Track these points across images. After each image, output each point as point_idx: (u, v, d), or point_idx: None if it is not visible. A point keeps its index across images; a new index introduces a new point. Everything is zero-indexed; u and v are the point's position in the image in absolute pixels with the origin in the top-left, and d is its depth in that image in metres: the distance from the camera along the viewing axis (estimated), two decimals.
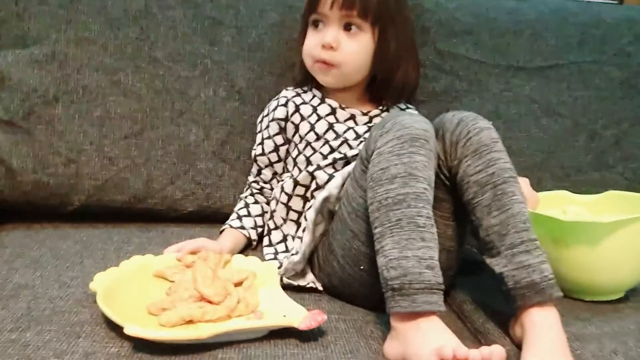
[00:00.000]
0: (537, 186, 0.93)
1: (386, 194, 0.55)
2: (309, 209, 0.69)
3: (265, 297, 0.61)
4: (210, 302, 0.57)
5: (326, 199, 0.66)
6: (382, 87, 0.80)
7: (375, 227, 0.56)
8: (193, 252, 0.68)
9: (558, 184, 0.95)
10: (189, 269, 0.63)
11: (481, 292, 0.69)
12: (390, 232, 0.54)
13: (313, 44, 0.76)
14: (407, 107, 0.86)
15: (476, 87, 0.94)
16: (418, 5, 0.93)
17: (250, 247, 0.79)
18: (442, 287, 0.53)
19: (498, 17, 0.95)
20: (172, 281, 0.62)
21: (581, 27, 0.98)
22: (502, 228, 0.57)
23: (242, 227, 0.77)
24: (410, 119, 0.58)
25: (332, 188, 0.66)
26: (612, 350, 0.55)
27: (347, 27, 0.74)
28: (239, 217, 0.78)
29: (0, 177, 0.78)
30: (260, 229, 0.80)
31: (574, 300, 0.67)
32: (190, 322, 0.54)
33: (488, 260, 0.60)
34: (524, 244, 0.56)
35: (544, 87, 0.96)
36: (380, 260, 0.55)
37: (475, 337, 0.63)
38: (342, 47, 0.74)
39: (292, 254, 0.68)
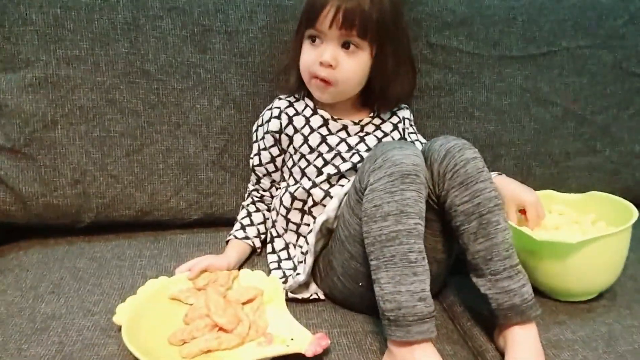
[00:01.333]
0: (527, 174, 0.99)
1: (380, 230, 0.59)
2: (309, 232, 0.73)
3: (272, 317, 0.67)
4: (224, 329, 0.63)
5: (325, 221, 0.70)
6: (376, 98, 0.82)
7: (371, 260, 0.61)
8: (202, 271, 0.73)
9: (546, 172, 0.99)
10: (201, 292, 0.69)
11: (471, 292, 0.75)
12: (385, 266, 0.59)
13: (311, 60, 0.76)
14: (399, 108, 0.87)
15: (469, 80, 0.94)
16: None
17: (255, 253, 0.84)
18: (434, 314, 0.59)
19: (492, 5, 0.93)
20: (187, 303, 0.68)
21: (576, 10, 0.97)
22: (487, 254, 0.62)
23: (247, 237, 0.81)
24: (401, 154, 0.61)
25: (330, 211, 0.70)
26: (583, 357, 0.63)
27: (346, 45, 0.74)
28: (243, 227, 0.82)
29: (11, 203, 0.81)
30: (263, 236, 0.84)
31: (553, 301, 0.74)
32: (208, 351, 0.61)
33: (474, 280, 0.65)
34: (506, 270, 0.62)
35: (536, 76, 0.96)
36: (377, 291, 0.60)
37: (463, 340, 0.71)
38: (341, 66, 0.74)
39: (298, 273, 0.73)
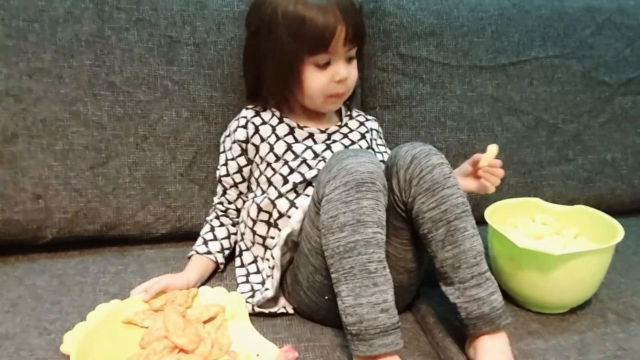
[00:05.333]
0: (501, 183, 0.98)
1: (337, 242, 0.58)
2: (274, 246, 0.71)
3: (235, 333, 0.64)
4: (184, 350, 0.60)
5: (289, 234, 0.69)
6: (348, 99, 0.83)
7: (332, 272, 0.59)
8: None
9: (520, 181, 0.99)
10: (158, 313, 0.66)
11: (444, 303, 0.73)
12: (345, 279, 0.57)
13: (326, 83, 0.75)
14: (367, 119, 0.87)
15: (440, 89, 0.94)
16: (378, 9, 0.92)
17: (218, 270, 0.80)
18: (398, 325, 0.57)
19: (461, 16, 0.94)
20: (143, 327, 0.65)
21: (544, 21, 0.98)
22: (455, 261, 0.61)
23: (209, 252, 0.78)
24: (355, 162, 0.59)
25: (294, 223, 0.68)
26: None
27: (350, 58, 0.77)
28: (205, 242, 0.80)
29: None
30: (227, 252, 0.81)
31: (526, 311, 0.72)
32: None
33: (443, 288, 0.64)
34: (474, 278, 0.60)
35: (506, 85, 0.97)
36: (339, 304, 0.58)
37: (435, 352, 0.69)
38: (350, 76, 0.77)
39: (266, 288, 0.71)
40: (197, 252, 0.78)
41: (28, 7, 0.78)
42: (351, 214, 0.57)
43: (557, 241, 0.75)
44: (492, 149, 0.74)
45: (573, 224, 0.78)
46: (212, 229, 0.82)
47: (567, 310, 0.72)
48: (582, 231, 0.77)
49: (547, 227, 0.79)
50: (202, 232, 0.82)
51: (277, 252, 0.68)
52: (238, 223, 0.83)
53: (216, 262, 0.79)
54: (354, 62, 0.78)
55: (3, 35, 0.78)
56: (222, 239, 0.81)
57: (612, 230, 0.72)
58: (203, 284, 0.77)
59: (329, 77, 0.75)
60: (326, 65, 0.74)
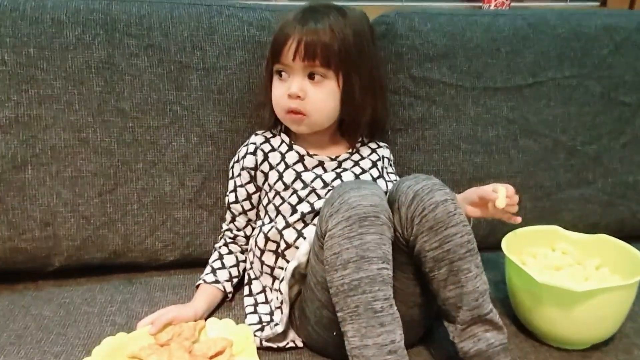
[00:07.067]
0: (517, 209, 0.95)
1: (341, 279, 0.56)
2: (281, 281, 0.69)
3: None
4: None
5: (296, 267, 0.67)
6: (350, 128, 0.80)
7: (337, 311, 0.57)
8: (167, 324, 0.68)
9: (538, 204, 0.96)
10: (164, 347, 0.64)
11: None
12: (350, 318, 0.56)
13: (280, 95, 0.75)
14: (379, 146, 0.85)
15: (453, 112, 0.92)
16: (390, 31, 0.90)
17: (226, 299, 0.78)
18: None
19: (474, 37, 0.92)
20: None
21: (560, 41, 0.95)
22: (457, 301, 0.60)
23: (217, 281, 0.77)
24: (358, 196, 0.57)
25: (301, 256, 0.67)
26: None
27: (311, 76, 0.73)
28: (213, 271, 0.78)
29: None
30: (235, 280, 0.80)
31: (547, 347, 0.69)
32: None
33: (445, 324, 0.63)
34: (473, 319, 0.59)
35: (522, 107, 0.94)
36: (346, 344, 0.57)
37: None
38: (309, 96, 0.73)
39: (276, 324, 0.68)
40: (205, 282, 0.76)
41: (39, 34, 0.78)
42: (354, 250, 0.55)
43: (578, 272, 0.72)
44: (500, 189, 0.68)
45: (595, 253, 0.75)
46: (221, 257, 0.80)
47: (590, 346, 0.68)
48: (605, 262, 0.74)
49: (567, 257, 0.75)
50: (210, 261, 0.81)
51: (284, 287, 0.66)
52: (247, 250, 0.82)
53: (224, 291, 0.77)
54: (322, 85, 0.73)
55: (14, 63, 0.78)
56: (231, 267, 0.79)
57: (636, 262, 0.68)
58: (211, 313, 0.75)
59: (284, 90, 0.74)
60: (285, 77, 0.74)
